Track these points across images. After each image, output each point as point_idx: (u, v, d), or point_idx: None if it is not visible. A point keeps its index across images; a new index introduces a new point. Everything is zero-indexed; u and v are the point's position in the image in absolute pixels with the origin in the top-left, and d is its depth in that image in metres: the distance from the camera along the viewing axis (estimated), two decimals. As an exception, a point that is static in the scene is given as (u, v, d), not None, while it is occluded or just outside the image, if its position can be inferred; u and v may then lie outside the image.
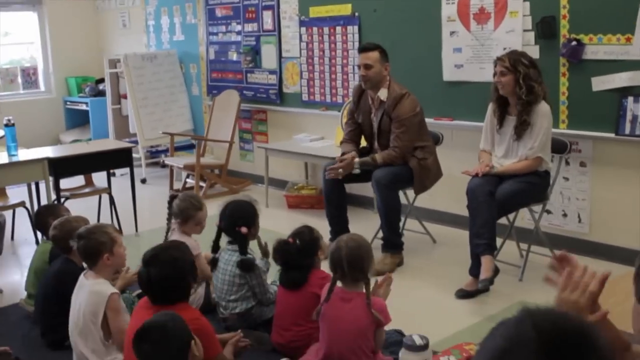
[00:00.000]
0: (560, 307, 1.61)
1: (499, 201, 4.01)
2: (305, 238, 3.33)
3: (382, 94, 4.59)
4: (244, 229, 3.53)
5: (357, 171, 4.57)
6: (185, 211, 3.89)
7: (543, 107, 4.10)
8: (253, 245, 3.69)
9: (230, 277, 3.52)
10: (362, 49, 4.65)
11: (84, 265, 3.37)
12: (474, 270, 4.08)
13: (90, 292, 3.11)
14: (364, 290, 2.92)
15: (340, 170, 4.51)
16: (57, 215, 4.01)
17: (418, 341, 2.78)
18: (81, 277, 3.23)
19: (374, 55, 4.57)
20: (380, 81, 4.59)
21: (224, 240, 3.71)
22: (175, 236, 3.85)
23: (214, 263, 3.63)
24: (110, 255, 3.20)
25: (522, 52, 4.31)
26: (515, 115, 4.15)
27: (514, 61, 4.05)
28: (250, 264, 3.50)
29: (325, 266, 3.50)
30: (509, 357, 0.95)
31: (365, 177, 4.79)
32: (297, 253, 3.30)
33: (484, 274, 3.97)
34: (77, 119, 9.39)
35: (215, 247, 3.68)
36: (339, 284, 3.00)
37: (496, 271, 4.04)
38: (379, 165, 4.53)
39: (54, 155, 5.15)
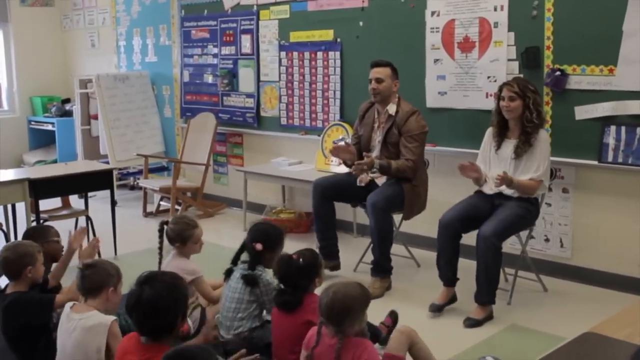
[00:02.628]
0: None
1: (494, 232, 4.07)
2: (309, 259, 3.30)
3: (391, 108, 4.74)
4: (258, 246, 3.53)
5: (375, 170, 4.66)
6: (182, 233, 3.85)
7: (544, 133, 4.29)
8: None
9: (240, 295, 3.50)
10: (375, 64, 4.79)
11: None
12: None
13: (86, 328, 2.96)
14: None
15: (365, 167, 4.61)
16: (47, 238, 3.89)
17: None
18: (68, 311, 3.07)
19: (386, 70, 4.73)
20: (389, 96, 4.74)
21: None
22: (175, 262, 3.79)
23: (228, 274, 3.64)
24: (113, 291, 3.09)
25: (525, 78, 4.48)
26: (516, 138, 4.28)
27: (522, 87, 4.21)
28: (253, 279, 3.48)
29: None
30: None
31: (354, 198, 4.92)
32: (297, 271, 3.26)
33: (437, 299, 4.29)
34: (41, 139, 9.22)
35: (235, 259, 3.67)
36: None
37: (451, 301, 4.31)
38: (392, 170, 4.63)
39: (34, 177, 5.02)
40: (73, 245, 3.82)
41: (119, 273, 3.16)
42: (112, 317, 3.04)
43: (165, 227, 3.92)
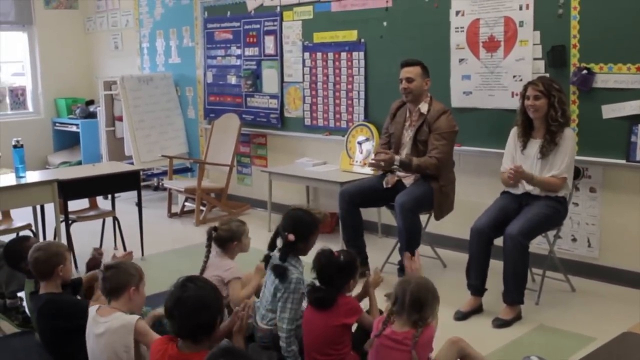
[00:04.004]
0: None
1: (521, 231, 4.06)
2: (348, 258, 3.32)
3: (423, 107, 4.80)
4: (291, 237, 3.40)
5: (396, 167, 4.71)
6: (237, 233, 3.88)
7: (569, 131, 4.27)
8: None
9: (270, 285, 3.47)
10: (405, 64, 4.83)
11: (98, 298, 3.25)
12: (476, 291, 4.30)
13: (113, 330, 3.00)
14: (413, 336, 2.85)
15: (382, 163, 4.67)
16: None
17: None
18: (94, 314, 3.10)
19: (416, 69, 4.78)
20: (420, 95, 4.79)
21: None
22: (217, 261, 3.82)
23: (266, 260, 3.56)
24: (135, 290, 3.12)
25: (550, 77, 4.46)
26: (541, 137, 4.27)
27: (547, 86, 4.20)
28: (282, 271, 3.37)
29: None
30: None
31: (381, 201, 4.91)
32: (336, 267, 3.27)
33: (463, 307, 4.25)
34: (66, 141, 9.32)
35: (272, 245, 3.57)
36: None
37: (477, 310, 4.27)
38: (413, 167, 4.65)
39: (63, 178, 5.07)
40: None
41: (141, 273, 3.20)
42: (137, 316, 3.07)
43: (214, 232, 3.85)
